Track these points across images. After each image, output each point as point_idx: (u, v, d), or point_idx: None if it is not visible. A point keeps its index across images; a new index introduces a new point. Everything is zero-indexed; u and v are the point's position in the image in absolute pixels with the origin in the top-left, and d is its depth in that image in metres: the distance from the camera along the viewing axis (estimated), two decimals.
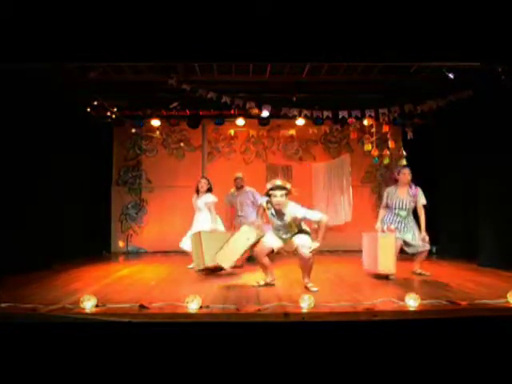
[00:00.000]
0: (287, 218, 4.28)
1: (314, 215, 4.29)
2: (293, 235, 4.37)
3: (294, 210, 4.26)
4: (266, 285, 4.49)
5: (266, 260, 4.49)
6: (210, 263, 5.08)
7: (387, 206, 5.20)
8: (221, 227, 5.85)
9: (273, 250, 4.49)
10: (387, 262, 4.84)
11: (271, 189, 4.24)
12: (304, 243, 4.21)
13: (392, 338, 2.92)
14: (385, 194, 5.25)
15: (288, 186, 4.28)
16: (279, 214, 4.30)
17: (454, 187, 6.87)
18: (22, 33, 3.55)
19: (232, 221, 6.77)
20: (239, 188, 6.74)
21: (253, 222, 4.77)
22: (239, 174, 6.81)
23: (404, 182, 5.08)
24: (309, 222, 4.41)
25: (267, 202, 4.38)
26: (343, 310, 3.33)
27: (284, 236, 4.42)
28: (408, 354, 2.85)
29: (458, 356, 2.85)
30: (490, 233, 5.67)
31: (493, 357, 2.83)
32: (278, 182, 4.31)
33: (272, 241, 4.45)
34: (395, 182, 5.24)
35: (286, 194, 4.24)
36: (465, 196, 6.59)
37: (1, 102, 4.88)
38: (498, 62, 4.44)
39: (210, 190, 5.89)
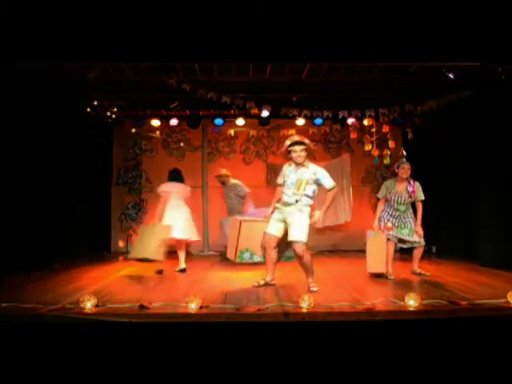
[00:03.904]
0: (307, 174, 4.34)
1: (328, 182, 4.37)
2: (296, 202, 4.28)
3: (315, 168, 4.42)
4: (266, 285, 4.49)
5: (274, 253, 4.51)
6: (132, 256, 5.44)
7: (386, 201, 5.14)
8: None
9: (279, 238, 4.48)
10: (374, 263, 4.85)
11: (291, 145, 4.35)
12: (298, 239, 4.19)
13: (392, 337, 2.92)
14: (383, 188, 5.16)
15: (306, 141, 4.37)
16: (300, 166, 4.38)
17: (453, 187, 6.86)
18: (22, 32, 3.56)
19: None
20: (223, 184, 7.08)
21: (265, 215, 4.68)
22: (220, 173, 7.05)
23: (403, 177, 5.03)
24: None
25: (289, 164, 4.50)
26: (343, 310, 3.34)
27: (289, 200, 4.31)
28: (408, 354, 2.85)
29: (458, 356, 2.85)
30: (490, 233, 5.66)
31: (493, 357, 2.83)
32: (297, 137, 4.44)
33: (274, 228, 4.44)
34: (394, 175, 5.20)
35: (306, 150, 4.33)
36: (465, 196, 6.59)
37: (0, 101, 4.88)
38: (498, 62, 4.43)
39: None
